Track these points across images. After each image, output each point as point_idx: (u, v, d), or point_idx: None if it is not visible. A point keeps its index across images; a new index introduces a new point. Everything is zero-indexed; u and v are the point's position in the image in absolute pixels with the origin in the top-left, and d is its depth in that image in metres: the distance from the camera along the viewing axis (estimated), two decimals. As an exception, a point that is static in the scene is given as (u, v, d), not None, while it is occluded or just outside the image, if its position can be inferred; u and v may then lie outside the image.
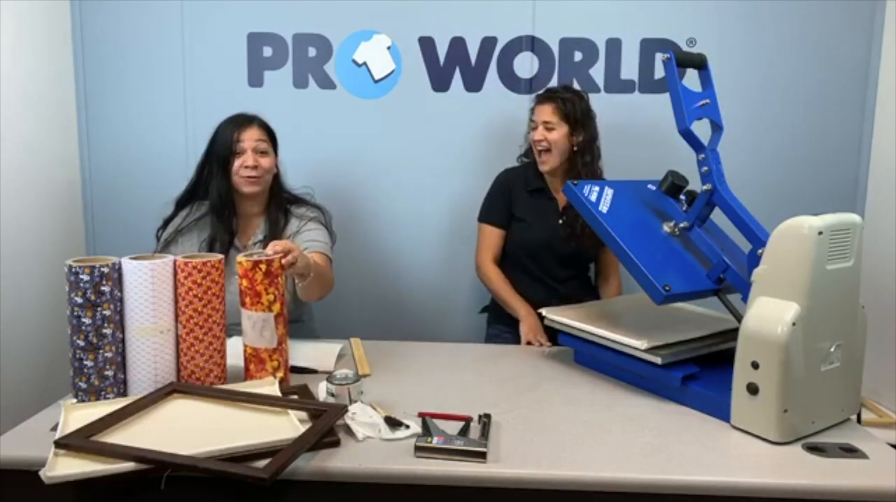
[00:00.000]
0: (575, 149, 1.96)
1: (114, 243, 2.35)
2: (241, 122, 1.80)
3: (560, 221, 1.99)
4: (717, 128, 1.53)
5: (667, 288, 1.38)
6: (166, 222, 1.84)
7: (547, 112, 1.95)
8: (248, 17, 2.32)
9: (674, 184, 1.58)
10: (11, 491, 1.12)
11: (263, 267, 1.38)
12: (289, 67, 2.34)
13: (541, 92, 2.05)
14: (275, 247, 1.44)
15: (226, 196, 1.79)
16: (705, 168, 1.48)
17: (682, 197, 1.60)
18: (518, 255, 2.04)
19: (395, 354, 1.70)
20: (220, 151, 1.79)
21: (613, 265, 2.10)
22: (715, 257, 1.46)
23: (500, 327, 2.09)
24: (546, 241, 1.99)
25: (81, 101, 2.37)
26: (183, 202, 1.86)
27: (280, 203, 1.88)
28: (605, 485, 1.10)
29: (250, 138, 1.78)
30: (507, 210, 2.04)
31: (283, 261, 1.43)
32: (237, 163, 1.77)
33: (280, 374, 1.42)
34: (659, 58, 2.27)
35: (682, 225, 1.54)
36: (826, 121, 2.28)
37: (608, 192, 1.58)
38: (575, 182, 1.56)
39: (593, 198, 1.55)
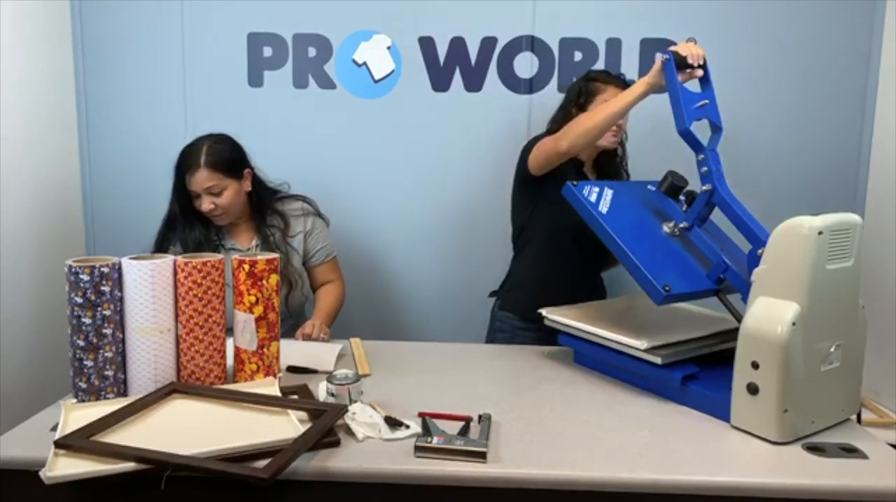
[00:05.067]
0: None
1: (114, 243, 2.35)
2: (188, 165, 1.78)
3: None
4: (716, 128, 1.53)
5: (667, 288, 1.38)
6: None
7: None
8: (248, 17, 2.31)
9: (673, 185, 1.58)
10: (11, 491, 1.12)
11: (247, 266, 1.38)
12: (289, 67, 2.33)
13: (601, 73, 1.96)
14: (303, 330, 1.76)
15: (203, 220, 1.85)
16: (705, 168, 1.48)
17: (682, 197, 1.60)
18: (562, 241, 1.90)
19: (395, 354, 1.70)
20: (181, 196, 1.82)
21: None
22: (715, 257, 1.46)
23: (508, 315, 1.96)
24: None
25: (81, 101, 2.37)
26: (162, 237, 1.84)
27: (266, 208, 1.90)
28: (605, 485, 1.10)
29: (199, 185, 1.77)
30: None
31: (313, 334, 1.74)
32: (197, 204, 1.81)
33: (258, 379, 1.41)
34: (658, 58, 2.27)
35: (681, 225, 1.54)
36: (826, 121, 2.28)
37: (608, 193, 1.58)
38: (574, 182, 1.56)
39: (593, 198, 1.55)
